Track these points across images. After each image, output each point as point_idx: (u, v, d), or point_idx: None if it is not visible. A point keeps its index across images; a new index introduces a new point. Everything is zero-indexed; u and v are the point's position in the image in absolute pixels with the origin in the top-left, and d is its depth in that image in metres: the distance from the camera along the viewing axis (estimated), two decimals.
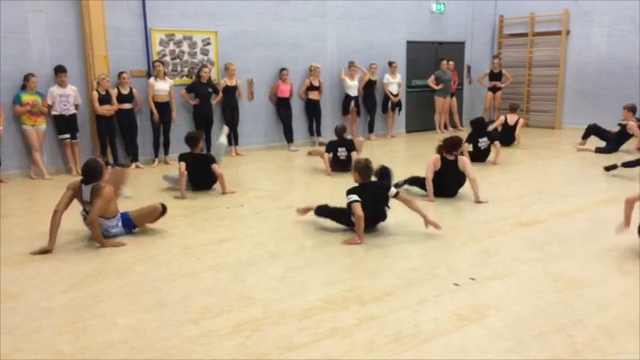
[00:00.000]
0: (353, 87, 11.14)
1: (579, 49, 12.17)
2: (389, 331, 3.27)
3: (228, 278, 4.14)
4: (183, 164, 6.63)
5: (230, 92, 9.67)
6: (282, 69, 10.31)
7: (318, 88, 10.77)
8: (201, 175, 6.80)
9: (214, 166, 6.77)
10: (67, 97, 8.15)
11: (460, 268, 4.27)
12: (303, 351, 3.07)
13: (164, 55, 9.24)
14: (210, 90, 9.41)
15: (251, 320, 3.44)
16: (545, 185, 6.77)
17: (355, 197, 4.94)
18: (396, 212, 5.26)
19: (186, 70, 9.52)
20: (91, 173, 4.89)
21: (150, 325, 3.39)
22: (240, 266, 4.39)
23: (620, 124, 9.47)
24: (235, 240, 5.06)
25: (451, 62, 12.49)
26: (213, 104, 9.53)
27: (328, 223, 5.51)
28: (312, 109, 10.86)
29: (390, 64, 11.72)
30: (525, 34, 13.02)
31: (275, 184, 7.36)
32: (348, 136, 8.33)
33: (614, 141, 9.43)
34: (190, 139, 6.90)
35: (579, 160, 8.83)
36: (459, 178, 6.35)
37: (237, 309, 3.60)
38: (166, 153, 9.20)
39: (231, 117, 9.77)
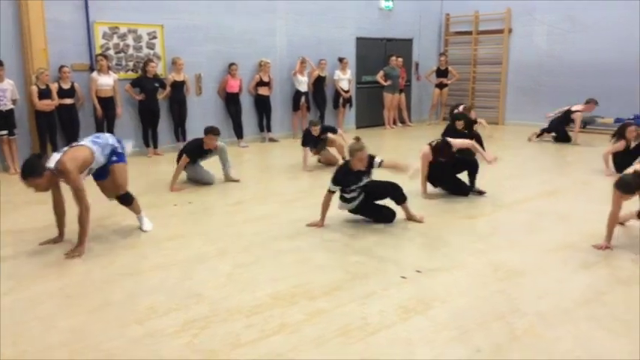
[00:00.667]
0: (303, 83, 11.14)
1: (521, 47, 12.59)
2: (337, 325, 3.30)
3: (176, 276, 4.08)
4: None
5: (177, 87, 9.49)
6: (231, 64, 10.20)
7: (268, 84, 10.71)
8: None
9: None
10: (3, 92, 7.79)
11: (407, 262, 4.35)
12: (251, 347, 3.06)
13: (107, 49, 8.96)
14: (156, 85, 9.21)
15: (199, 318, 3.40)
16: (490, 179, 6.96)
17: (333, 187, 5.14)
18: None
19: (131, 64, 9.27)
20: (30, 170, 4.69)
21: (93, 327, 3.30)
22: (188, 264, 4.33)
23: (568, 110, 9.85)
24: (183, 237, 4.98)
25: (400, 59, 12.67)
26: (159, 99, 9.33)
27: (277, 219, 5.51)
28: (262, 105, 10.80)
29: (341, 60, 11.79)
30: (470, 32, 13.36)
31: (223, 181, 7.28)
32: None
33: (556, 125, 9.96)
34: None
35: (522, 154, 9.14)
36: (457, 165, 6.34)
37: (184, 307, 3.55)
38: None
39: (178, 112, 9.60)
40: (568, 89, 11.32)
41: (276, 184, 7.24)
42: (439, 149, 6.14)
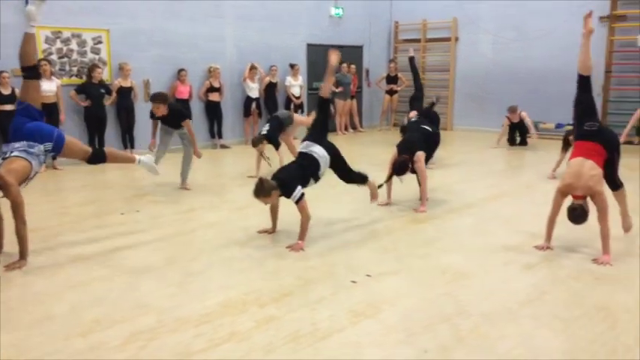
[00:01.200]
0: (254, 89, 11.11)
1: (467, 56, 12.96)
2: (287, 332, 3.30)
3: (122, 287, 3.98)
4: None
5: (125, 93, 9.29)
6: (181, 70, 10.07)
7: (218, 90, 10.63)
8: None
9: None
10: None
11: (357, 266, 4.39)
12: (201, 357, 3.02)
13: (50, 54, 8.69)
14: (102, 91, 8.99)
15: (146, 330, 3.33)
16: (440, 183, 7.13)
17: (302, 190, 4.74)
18: (295, 213, 5.31)
19: (75, 69, 9.01)
20: None
21: (33, 341, 3.18)
22: (135, 274, 4.22)
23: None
24: (130, 247, 4.86)
25: (352, 66, 12.83)
26: (106, 106, 9.11)
27: (228, 226, 5.47)
28: (213, 111, 10.70)
29: (292, 66, 11.82)
30: (418, 40, 13.65)
31: (174, 188, 7.16)
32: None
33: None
34: None
35: (471, 159, 9.38)
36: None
37: (130, 319, 3.46)
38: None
39: (126, 119, 9.39)
40: (513, 96, 11.68)
41: (227, 190, 7.18)
42: (401, 167, 5.86)
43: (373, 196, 5.64)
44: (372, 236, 5.15)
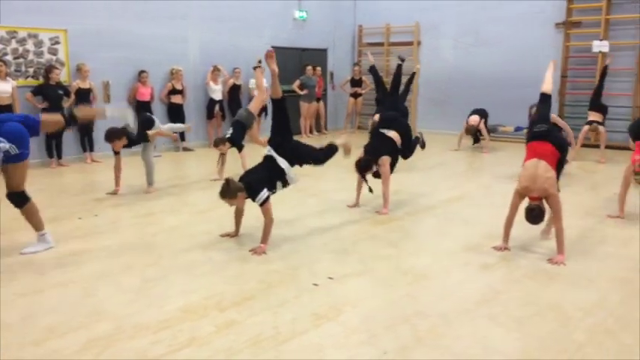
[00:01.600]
0: (217, 91, 11.03)
1: (430, 60, 13.15)
2: (248, 336, 3.28)
3: (78, 294, 3.89)
4: None
5: (83, 95, 9.08)
6: (142, 71, 9.91)
7: (181, 92, 10.51)
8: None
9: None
10: None
11: (320, 268, 4.41)
12: None
13: (5, 54, 8.43)
14: (60, 92, 8.77)
15: (103, 336, 3.26)
16: (402, 186, 7.21)
17: (267, 193, 4.70)
18: (259, 216, 5.29)
19: (31, 70, 8.77)
20: None
21: None
22: (91, 280, 4.13)
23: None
24: (87, 253, 4.75)
25: (318, 68, 12.87)
26: (65, 107, 8.89)
27: (189, 230, 5.41)
28: (175, 114, 10.56)
29: (255, 68, 11.74)
30: (382, 44, 13.80)
31: (135, 191, 7.04)
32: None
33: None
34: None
35: (433, 162, 9.52)
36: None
37: (86, 326, 3.39)
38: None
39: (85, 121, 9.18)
40: (474, 100, 11.90)
41: (189, 194, 7.10)
42: (366, 166, 5.94)
43: (347, 151, 5.66)
44: (335, 239, 5.18)
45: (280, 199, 5.59)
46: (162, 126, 7.57)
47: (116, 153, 6.87)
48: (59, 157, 8.96)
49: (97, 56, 9.41)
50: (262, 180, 4.80)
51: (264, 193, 4.71)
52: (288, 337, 3.28)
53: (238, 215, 5.21)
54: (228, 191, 4.63)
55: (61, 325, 3.40)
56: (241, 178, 4.86)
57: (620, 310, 3.59)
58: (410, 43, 13.34)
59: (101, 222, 5.73)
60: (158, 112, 10.31)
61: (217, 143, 7.74)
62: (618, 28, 10.75)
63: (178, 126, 8.94)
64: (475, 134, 10.67)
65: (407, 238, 5.28)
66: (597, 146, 9.59)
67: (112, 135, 6.66)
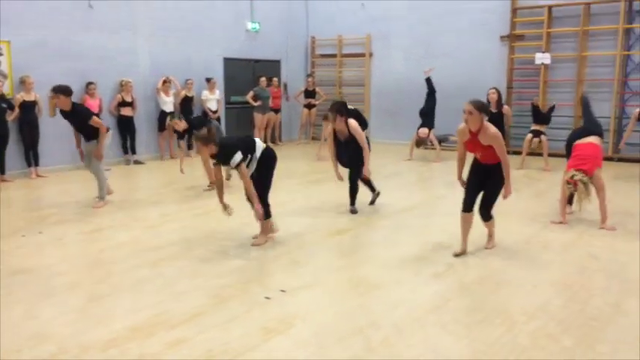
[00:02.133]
0: (168, 102, 10.87)
1: (382, 71, 13.37)
2: (198, 353, 3.23)
3: (19, 315, 3.74)
4: None
5: (28, 108, 8.80)
6: (89, 83, 9.68)
7: (131, 104, 10.31)
8: None
9: None
10: None
11: (272, 282, 4.39)
12: None
13: None
14: (3, 105, 8.46)
15: (45, 358, 3.15)
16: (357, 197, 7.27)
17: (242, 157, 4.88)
18: (205, 228, 5.24)
19: None
20: None
21: None
22: (34, 301, 3.98)
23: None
24: (30, 272, 4.58)
25: (275, 79, 12.92)
26: (9, 121, 8.59)
27: (139, 245, 5.29)
28: (126, 126, 10.36)
29: (208, 80, 11.68)
30: (335, 55, 13.94)
31: (81, 206, 6.84)
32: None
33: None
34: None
35: (387, 172, 9.64)
36: (350, 147, 6.42)
37: (28, 348, 3.26)
38: None
39: (29, 135, 8.89)
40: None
41: (139, 208, 6.95)
42: (340, 107, 6.40)
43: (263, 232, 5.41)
44: (288, 251, 5.16)
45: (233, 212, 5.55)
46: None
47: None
48: (2, 172, 8.61)
49: (44, 68, 9.13)
50: (237, 145, 4.93)
51: (239, 155, 4.83)
52: (239, 352, 3.24)
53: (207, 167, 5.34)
54: (205, 137, 4.80)
55: (1, 348, 3.25)
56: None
57: (561, 314, 3.72)
58: (362, 55, 13.53)
59: (46, 239, 5.54)
60: (107, 124, 10.07)
61: (171, 119, 7.74)
62: (559, 41, 11.22)
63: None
64: (425, 145, 10.91)
65: (360, 249, 5.32)
66: (541, 154, 9.94)
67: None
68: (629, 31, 10.49)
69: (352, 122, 6.40)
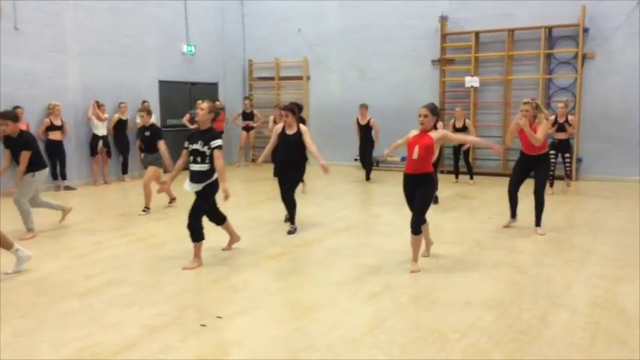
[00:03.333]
0: (100, 126, 10.58)
1: (319, 93, 13.55)
2: None
3: None
4: None
5: None
6: (16, 107, 9.26)
7: (60, 128, 9.94)
8: None
9: None
10: None
11: (208, 308, 4.30)
12: None
13: None
14: None
15: None
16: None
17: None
18: (139, 255, 5.08)
19: None
20: None
21: None
22: None
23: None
24: None
25: (218, 102, 12.79)
26: None
27: (67, 276, 5.07)
28: (55, 150, 9.96)
29: (143, 103, 11.44)
30: (273, 78, 14.02)
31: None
32: None
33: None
34: None
35: (324, 194, 9.71)
36: (294, 153, 6.63)
37: None
38: None
39: None
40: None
41: (68, 237, 6.66)
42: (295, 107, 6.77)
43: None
44: (223, 277, 5.08)
45: (165, 240, 5.43)
46: None
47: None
48: None
49: None
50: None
51: (220, 141, 5.22)
52: None
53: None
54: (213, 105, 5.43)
55: None
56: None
57: (491, 330, 3.83)
58: (299, 78, 13.68)
59: None
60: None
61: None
62: (487, 65, 11.77)
63: None
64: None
65: (296, 271, 5.30)
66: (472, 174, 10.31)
67: None
68: (549, 56, 11.15)
69: (302, 125, 6.72)
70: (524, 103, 6.32)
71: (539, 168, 6.46)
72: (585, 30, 10.61)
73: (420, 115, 5.09)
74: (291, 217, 6.72)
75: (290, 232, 6.60)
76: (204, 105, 5.42)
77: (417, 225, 5.07)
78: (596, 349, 3.54)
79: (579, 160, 10.91)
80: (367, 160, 11.02)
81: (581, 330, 3.81)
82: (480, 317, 4.05)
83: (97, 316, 4.15)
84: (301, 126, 6.71)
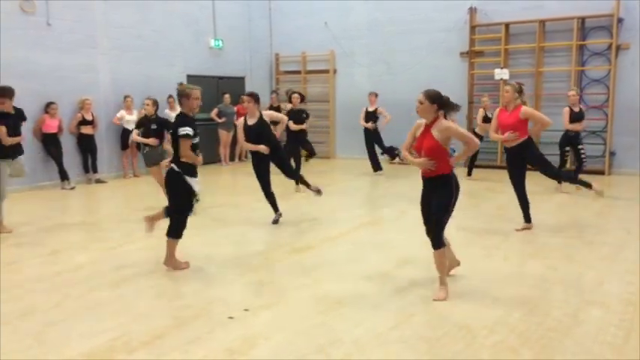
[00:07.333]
0: (131, 121, 10.72)
1: (345, 87, 13.50)
2: None
3: None
4: None
5: None
6: (50, 103, 9.48)
7: (91, 122, 10.13)
8: None
9: None
10: None
11: (235, 301, 4.33)
12: None
13: None
14: None
15: None
16: (318, 212, 7.28)
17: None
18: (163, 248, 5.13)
19: None
20: None
21: None
22: None
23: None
24: None
25: (245, 96, 12.81)
26: None
27: (99, 267, 5.17)
28: (87, 145, 10.17)
29: (169, 98, 11.56)
30: (299, 72, 14.02)
31: (40, 228, 6.65)
32: None
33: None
34: None
35: (350, 187, 9.71)
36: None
37: None
38: None
39: None
40: (387, 126, 12.31)
41: (100, 229, 6.80)
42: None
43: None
44: (250, 270, 5.12)
45: (194, 233, 5.50)
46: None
47: None
48: None
49: None
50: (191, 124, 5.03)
51: (189, 129, 4.88)
52: None
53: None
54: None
55: None
56: None
57: (520, 326, 3.77)
58: (326, 71, 13.65)
59: None
60: (67, 143, 9.91)
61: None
62: (517, 57, 11.55)
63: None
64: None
65: (322, 266, 5.30)
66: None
67: None
68: (582, 48, 10.88)
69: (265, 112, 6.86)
70: (506, 84, 6.19)
71: (531, 157, 6.19)
72: (620, 20, 10.32)
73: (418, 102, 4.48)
74: (304, 182, 7.02)
75: (275, 222, 6.67)
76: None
77: (435, 238, 4.32)
78: (630, 346, 3.46)
79: (612, 154, 10.66)
80: (372, 150, 10.99)
81: (614, 328, 3.72)
82: (509, 314, 3.99)
83: (127, 307, 4.22)
84: (264, 113, 6.73)
